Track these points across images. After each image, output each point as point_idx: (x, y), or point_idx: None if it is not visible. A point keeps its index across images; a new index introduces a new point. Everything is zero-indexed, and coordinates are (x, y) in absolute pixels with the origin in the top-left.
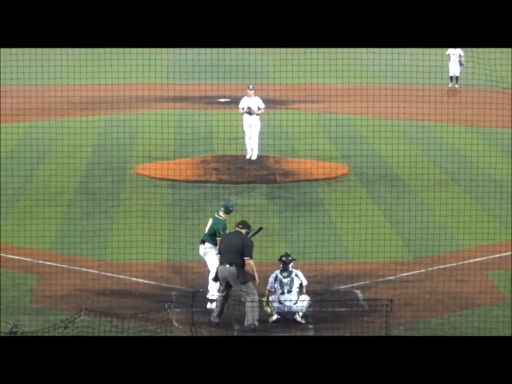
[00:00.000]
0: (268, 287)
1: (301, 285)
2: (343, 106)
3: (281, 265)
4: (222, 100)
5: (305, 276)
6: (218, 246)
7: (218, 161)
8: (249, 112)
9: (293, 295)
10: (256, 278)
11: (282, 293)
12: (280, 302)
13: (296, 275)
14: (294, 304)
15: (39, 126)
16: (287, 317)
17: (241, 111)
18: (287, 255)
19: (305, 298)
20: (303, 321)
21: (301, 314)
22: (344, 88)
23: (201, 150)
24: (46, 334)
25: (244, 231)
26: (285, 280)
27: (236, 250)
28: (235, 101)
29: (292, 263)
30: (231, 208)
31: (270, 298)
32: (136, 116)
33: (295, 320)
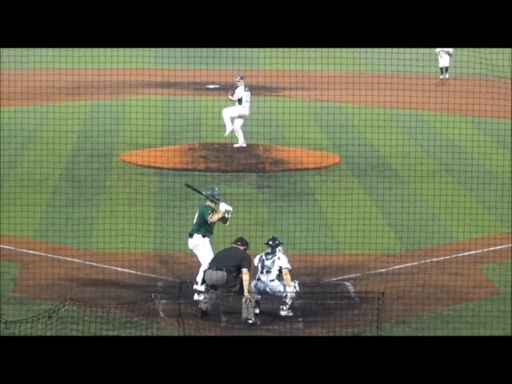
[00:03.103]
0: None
1: (280, 268)
2: (335, 94)
3: (269, 249)
4: (211, 86)
5: (295, 267)
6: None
7: (206, 149)
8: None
9: (272, 275)
10: (245, 290)
11: (262, 272)
12: (258, 279)
13: (279, 258)
14: (271, 281)
15: (23, 111)
16: (263, 295)
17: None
18: (273, 239)
19: (291, 286)
20: (290, 314)
21: (285, 308)
22: (336, 75)
23: (189, 137)
24: (30, 324)
25: (242, 248)
26: (267, 262)
27: (231, 260)
28: (224, 87)
29: (278, 247)
30: (217, 197)
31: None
32: (123, 101)
33: (280, 316)
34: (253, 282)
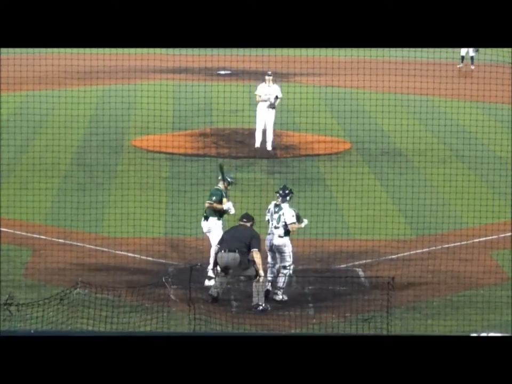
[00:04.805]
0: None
1: (285, 224)
2: (346, 80)
3: (279, 199)
4: (222, 72)
5: (305, 253)
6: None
7: (217, 135)
8: (273, 106)
9: (279, 231)
10: (261, 272)
11: (271, 227)
12: (269, 233)
13: (283, 214)
14: (279, 237)
15: (35, 96)
16: (271, 252)
17: (258, 98)
18: (284, 187)
19: (287, 266)
20: (285, 299)
21: (280, 292)
22: (347, 61)
23: (200, 122)
24: (41, 307)
25: (249, 224)
26: (275, 215)
27: (241, 240)
28: (235, 73)
29: (289, 196)
30: (229, 180)
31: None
32: (134, 86)
33: (275, 300)
34: (267, 237)
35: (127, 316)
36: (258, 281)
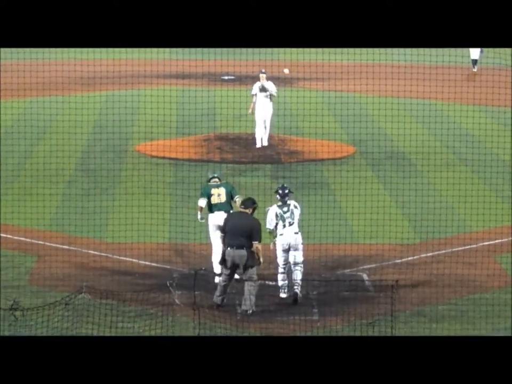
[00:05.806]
0: (268, 226)
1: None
2: (349, 84)
3: (278, 198)
4: (226, 78)
5: (310, 257)
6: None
7: (221, 140)
8: (264, 89)
9: (295, 227)
10: (261, 260)
11: (284, 227)
12: (281, 234)
13: (295, 206)
14: (295, 233)
15: (39, 102)
16: (286, 252)
17: (251, 107)
18: (283, 187)
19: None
20: (300, 295)
21: (300, 289)
22: (350, 65)
23: (204, 128)
24: (46, 311)
25: (248, 210)
26: (286, 215)
27: (243, 233)
28: (239, 79)
29: (288, 196)
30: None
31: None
32: (138, 92)
33: (295, 299)
34: (277, 239)
35: (131, 321)
36: (257, 270)
